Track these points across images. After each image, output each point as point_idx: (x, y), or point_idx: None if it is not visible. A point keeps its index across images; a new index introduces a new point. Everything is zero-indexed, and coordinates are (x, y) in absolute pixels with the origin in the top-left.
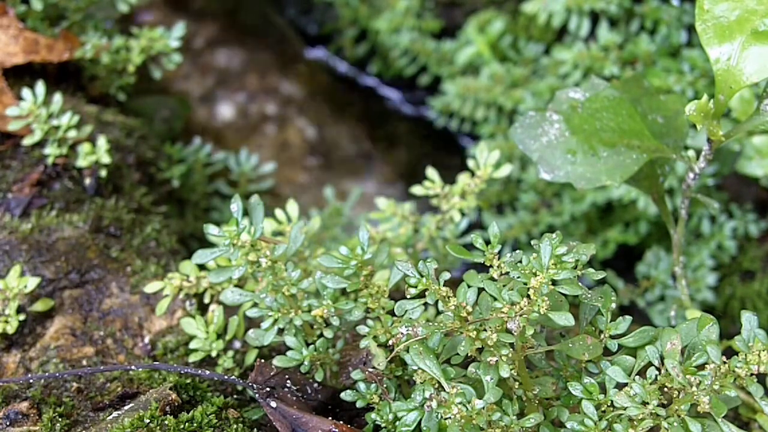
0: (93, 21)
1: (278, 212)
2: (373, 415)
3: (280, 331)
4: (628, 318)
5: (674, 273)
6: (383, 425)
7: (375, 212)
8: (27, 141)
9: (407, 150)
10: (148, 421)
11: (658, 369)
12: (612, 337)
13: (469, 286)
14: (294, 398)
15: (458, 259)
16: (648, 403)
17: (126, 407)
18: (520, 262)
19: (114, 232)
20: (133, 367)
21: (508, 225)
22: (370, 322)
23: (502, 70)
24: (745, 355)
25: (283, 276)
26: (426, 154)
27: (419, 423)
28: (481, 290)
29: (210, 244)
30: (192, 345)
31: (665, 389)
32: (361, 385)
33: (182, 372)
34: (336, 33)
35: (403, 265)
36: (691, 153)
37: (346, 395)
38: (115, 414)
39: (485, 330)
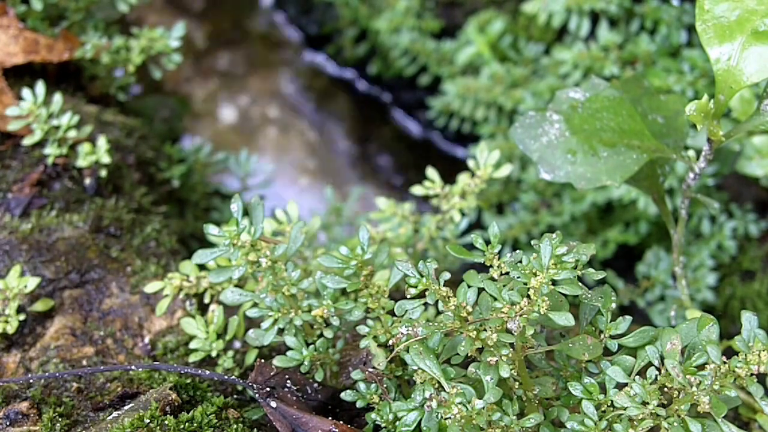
0: (93, 21)
1: (278, 212)
2: (373, 415)
3: (280, 331)
4: (628, 318)
5: (674, 273)
6: (383, 425)
7: (375, 212)
8: (27, 141)
9: (402, 152)
10: (148, 421)
11: (658, 369)
12: (612, 337)
13: (469, 286)
14: (294, 398)
15: (458, 259)
16: (648, 403)
17: (126, 407)
18: (520, 262)
19: (114, 232)
20: (133, 367)
21: (508, 225)
22: (370, 322)
23: (502, 70)
24: (745, 355)
25: (283, 276)
26: (416, 158)
27: (419, 423)
28: (481, 290)
29: (210, 244)
30: (192, 345)
31: (665, 389)
32: (361, 385)
33: (182, 372)
34: (336, 33)
35: (403, 265)
36: (691, 153)
37: (346, 395)
38: (115, 414)
39: (485, 330)
